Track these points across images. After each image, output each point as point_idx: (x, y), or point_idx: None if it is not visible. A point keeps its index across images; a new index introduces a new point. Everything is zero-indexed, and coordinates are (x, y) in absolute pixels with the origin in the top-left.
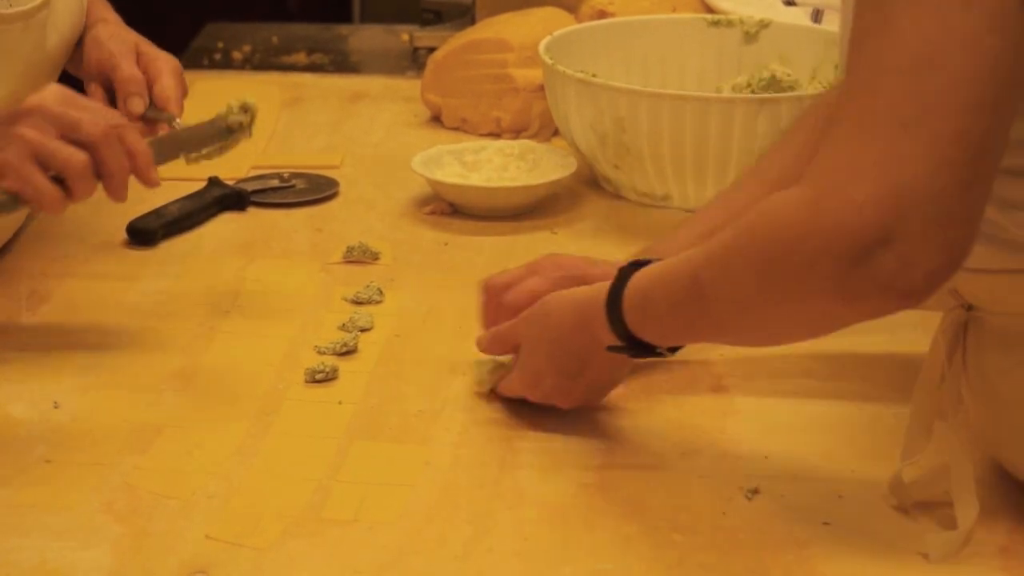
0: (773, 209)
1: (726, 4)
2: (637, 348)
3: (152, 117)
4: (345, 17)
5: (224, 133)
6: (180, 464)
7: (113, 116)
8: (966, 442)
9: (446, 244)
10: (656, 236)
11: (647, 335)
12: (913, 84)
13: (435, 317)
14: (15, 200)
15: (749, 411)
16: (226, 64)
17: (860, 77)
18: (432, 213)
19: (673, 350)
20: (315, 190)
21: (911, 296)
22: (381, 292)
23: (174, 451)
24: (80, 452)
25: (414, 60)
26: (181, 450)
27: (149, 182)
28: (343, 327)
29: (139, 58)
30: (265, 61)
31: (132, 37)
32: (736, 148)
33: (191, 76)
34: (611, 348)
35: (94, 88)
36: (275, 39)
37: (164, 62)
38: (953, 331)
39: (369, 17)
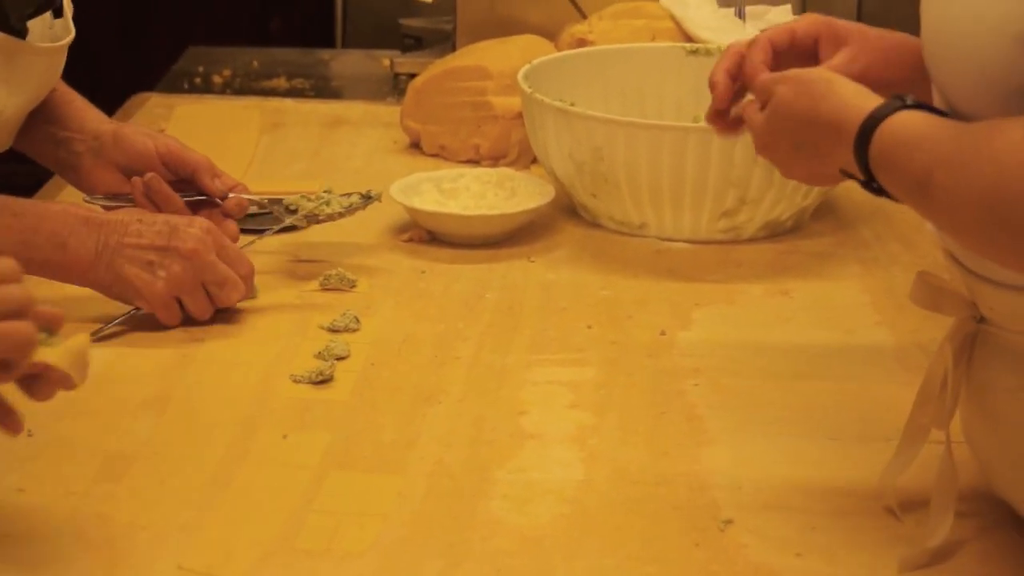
0: (1002, 153)
1: (704, 33)
2: (872, 186)
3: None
4: (328, 42)
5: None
6: (153, 493)
7: (248, 277)
8: (955, 456)
9: (423, 272)
10: (631, 265)
11: (884, 183)
12: None
13: (411, 345)
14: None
15: (723, 441)
16: (206, 88)
17: None
18: (409, 240)
19: None
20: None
21: None
22: (358, 320)
23: (147, 480)
24: (53, 481)
25: (394, 86)
26: (154, 479)
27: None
28: (319, 355)
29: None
30: (245, 85)
31: (149, 130)
32: (713, 177)
33: (171, 99)
34: (844, 172)
35: (138, 180)
36: (256, 63)
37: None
38: (961, 341)
39: (352, 42)
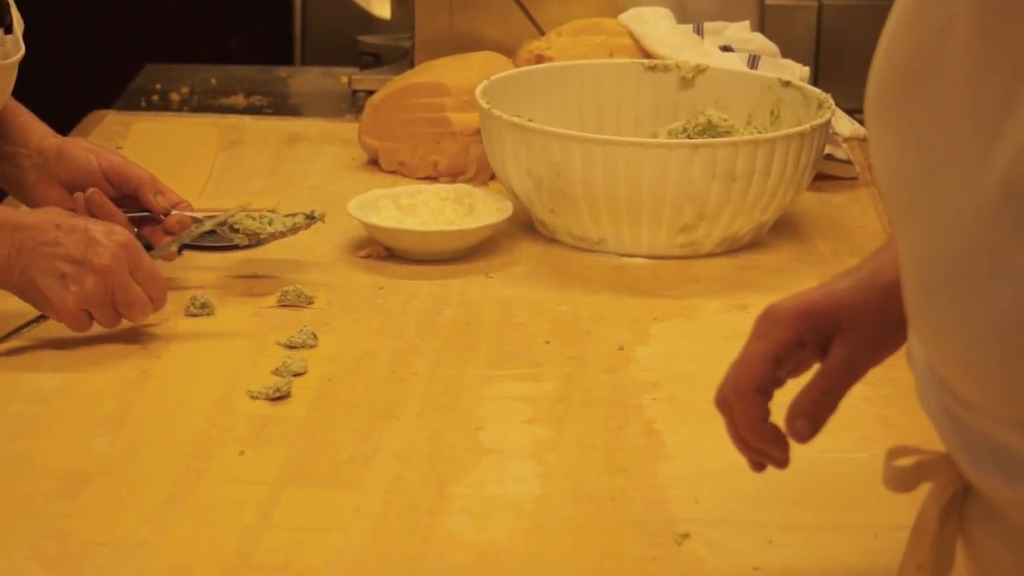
0: None
1: (663, 49)
2: None
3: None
4: (287, 60)
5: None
6: (110, 511)
7: (162, 293)
8: None
9: (381, 288)
10: (589, 281)
11: None
12: None
13: (368, 362)
14: (42, 320)
15: (680, 455)
16: (164, 106)
17: None
18: (367, 257)
19: None
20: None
21: None
22: (315, 336)
23: (105, 497)
24: (10, 498)
25: (353, 103)
26: (112, 496)
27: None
28: (276, 372)
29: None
30: (203, 103)
31: (94, 146)
32: (671, 193)
33: (128, 117)
34: None
35: (80, 196)
36: (214, 81)
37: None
38: (948, 501)
39: (310, 60)
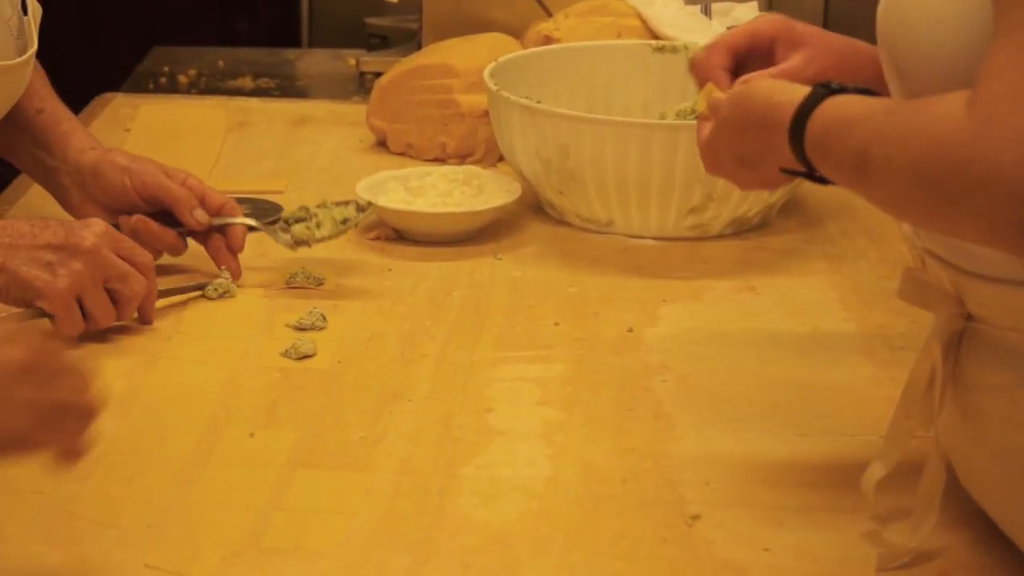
0: (938, 122)
1: (671, 31)
2: (811, 174)
3: (223, 223)
4: (294, 42)
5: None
6: (119, 492)
7: (149, 270)
8: (941, 454)
9: (390, 270)
10: (598, 262)
11: (822, 169)
12: None
13: (378, 343)
14: (44, 318)
15: (691, 437)
16: (172, 88)
17: None
18: (376, 239)
19: None
20: (259, 215)
21: None
22: (324, 318)
23: (114, 479)
24: (19, 480)
25: (360, 85)
26: (121, 478)
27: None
28: (285, 353)
29: (169, 176)
30: (211, 85)
31: (146, 158)
32: (679, 174)
33: (136, 99)
34: (785, 171)
35: (137, 219)
36: (221, 63)
37: (193, 176)
38: (948, 339)
39: (317, 42)
